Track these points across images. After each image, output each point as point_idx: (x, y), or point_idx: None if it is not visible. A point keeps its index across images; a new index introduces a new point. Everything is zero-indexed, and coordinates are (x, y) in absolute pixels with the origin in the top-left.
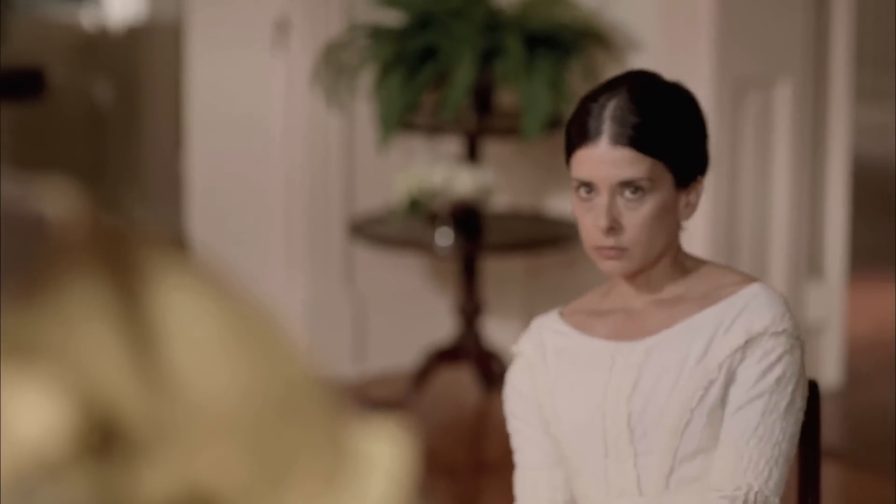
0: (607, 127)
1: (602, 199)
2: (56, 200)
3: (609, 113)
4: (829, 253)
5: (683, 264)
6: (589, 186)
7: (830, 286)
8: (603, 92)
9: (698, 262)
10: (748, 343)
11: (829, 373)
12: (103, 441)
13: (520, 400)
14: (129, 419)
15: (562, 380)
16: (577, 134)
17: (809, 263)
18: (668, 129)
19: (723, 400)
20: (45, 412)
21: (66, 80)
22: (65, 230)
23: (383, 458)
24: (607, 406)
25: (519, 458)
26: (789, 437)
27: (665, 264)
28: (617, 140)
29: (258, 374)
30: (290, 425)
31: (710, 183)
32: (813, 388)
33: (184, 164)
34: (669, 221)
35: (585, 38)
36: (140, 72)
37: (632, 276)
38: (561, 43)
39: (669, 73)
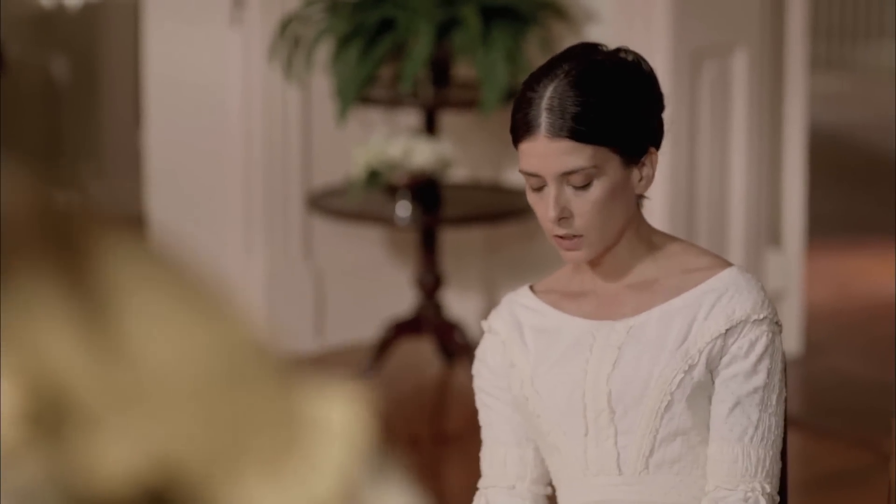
0: (544, 119)
1: (549, 190)
2: (1, 177)
3: (545, 103)
4: (787, 222)
5: (650, 240)
6: (537, 177)
7: (789, 255)
8: (542, 77)
9: (665, 239)
10: (729, 330)
11: (789, 340)
12: (56, 420)
13: (491, 376)
14: (83, 394)
15: (542, 358)
16: (518, 127)
17: (768, 232)
18: (609, 112)
19: (704, 385)
20: None
21: (23, 55)
22: (9, 206)
23: (340, 425)
24: (587, 384)
25: (487, 433)
26: (781, 430)
27: (629, 241)
28: (554, 132)
29: (212, 343)
30: (245, 394)
31: (668, 153)
32: None
33: (141, 140)
34: (623, 200)
35: (543, 9)
36: (97, 47)
37: (598, 259)
38: (518, 14)
39: (626, 44)
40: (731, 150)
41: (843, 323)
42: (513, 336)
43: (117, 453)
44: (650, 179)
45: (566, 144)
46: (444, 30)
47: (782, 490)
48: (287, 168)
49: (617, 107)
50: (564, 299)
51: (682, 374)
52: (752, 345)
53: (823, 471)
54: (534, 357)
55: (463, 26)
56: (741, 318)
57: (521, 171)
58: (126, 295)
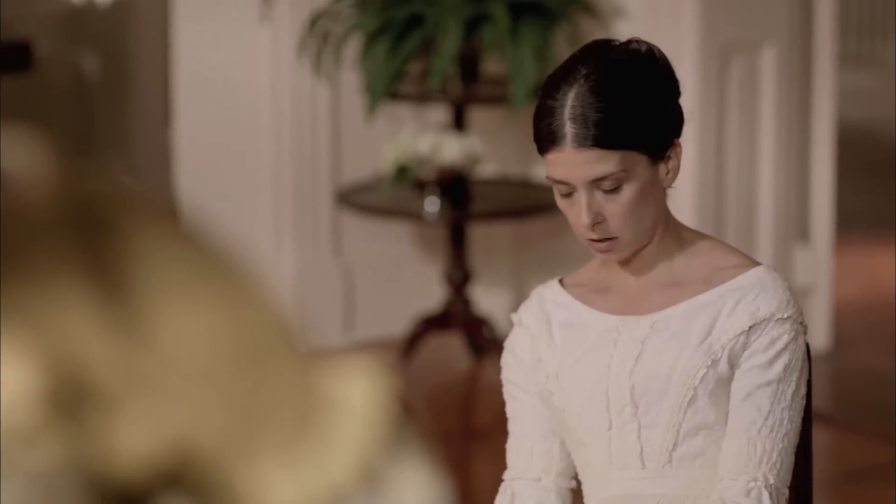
0: (569, 129)
1: (580, 196)
2: (19, 154)
3: (569, 113)
4: (816, 217)
5: (679, 235)
6: (565, 184)
7: (817, 250)
8: (560, 83)
9: (695, 236)
10: (753, 328)
11: (817, 336)
12: (75, 402)
13: (520, 368)
14: (103, 375)
15: (568, 353)
16: (543, 137)
17: (796, 228)
18: (633, 115)
19: (727, 380)
20: (11, 377)
21: (53, 53)
22: (27, 185)
23: (359, 403)
24: (611, 379)
25: (514, 426)
26: (795, 427)
27: (659, 237)
28: (581, 142)
29: (230, 323)
30: (263, 375)
31: (697, 149)
32: None
33: (172, 137)
34: (653, 197)
35: (571, 5)
36: (127, 44)
37: (629, 256)
38: (546, 10)
39: (654, 39)
40: (760, 146)
41: (870, 319)
42: (541, 330)
43: (135, 436)
44: (677, 171)
45: (593, 153)
46: (473, 26)
47: (807, 485)
48: (316, 164)
49: (640, 108)
50: (592, 294)
51: (706, 369)
52: (774, 341)
53: (850, 466)
54: (560, 352)
55: (491, 22)
56: (765, 316)
57: (548, 178)
58: (148, 276)
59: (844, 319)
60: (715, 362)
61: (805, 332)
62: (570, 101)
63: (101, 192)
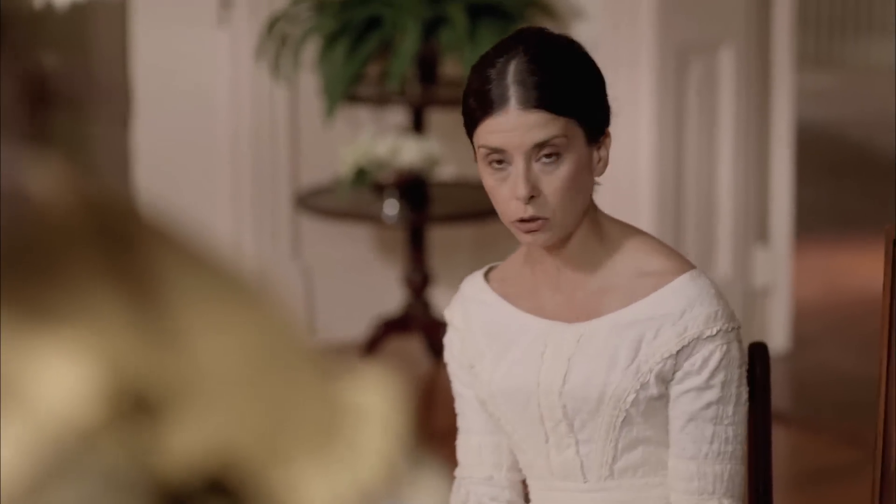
0: (514, 92)
1: (517, 167)
2: (41, 173)
3: (512, 77)
4: (775, 217)
5: (603, 229)
6: (500, 156)
7: (777, 250)
8: (497, 56)
9: (618, 230)
10: (681, 350)
11: (777, 336)
12: (132, 403)
13: (458, 367)
14: (151, 381)
15: (497, 361)
16: (482, 104)
17: (756, 228)
18: (574, 84)
19: (659, 397)
20: (73, 379)
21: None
22: (54, 201)
23: (377, 410)
24: (541, 395)
25: (462, 422)
26: (742, 436)
27: (584, 230)
28: (526, 103)
29: (255, 332)
30: (290, 382)
31: (656, 149)
32: (762, 351)
33: (131, 138)
34: (586, 181)
35: (529, 6)
36: (85, 47)
37: (551, 248)
38: (505, 12)
39: (612, 40)
40: (719, 146)
41: (830, 318)
42: (468, 333)
43: (183, 439)
44: (606, 161)
45: (539, 116)
46: (431, 28)
47: (767, 486)
48: (275, 167)
49: (580, 80)
50: (517, 291)
51: (635, 393)
52: (706, 360)
53: (811, 466)
54: (489, 361)
55: (450, 24)
56: (693, 336)
57: (483, 149)
58: (175, 289)
59: (804, 319)
60: (644, 385)
61: (738, 334)
62: (511, 69)
63: (121, 208)
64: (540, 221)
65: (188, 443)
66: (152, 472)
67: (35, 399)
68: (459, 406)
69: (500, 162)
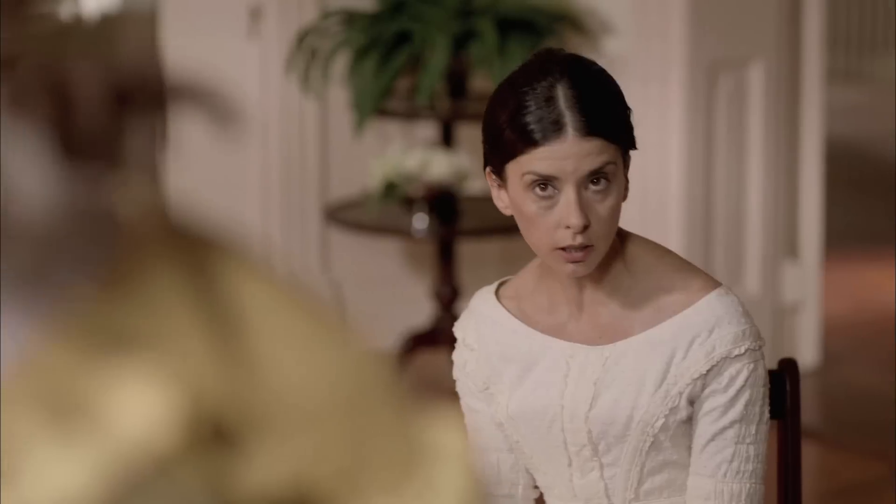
0: (569, 118)
1: (568, 195)
2: (125, 194)
3: (564, 103)
4: (805, 234)
5: (626, 247)
6: (545, 184)
7: (806, 267)
8: (534, 81)
9: (640, 245)
10: (709, 370)
11: (806, 353)
12: (209, 431)
13: (472, 385)
14: (229, 409)
15: (516, 385)
16: (531, 130)
17: (785, 244)
18: (618, 110)
19: (687, 419)
20: (152, 404)
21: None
22: (136, 223)
23: (455, 450)
24: (565, 419)
25: (476, 439)
26: (762, 455)
27: (610, 250)
28: (583, 130)
29: (336, 364)
30: (369, 416)
31: (685, 165)
32: (792, 367)
33: (160, 151)
34: (621, 207)
35: (559, 21)
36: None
37: None
38: (534, 27)
39: (643, 56)
40: (748, 162)
41: (859, 335)
42: (483, 356)
43: (260, 469)
44: (628, 186)
45: (595, 143)
46: (461, 42)
47: (796, 501)
48: (304, 180)
49: (621, 105)
50: (532, 309)
51: (664, 418)
52: (732, 379)
53: (839, 483)
54: (507, 385)
55: (479, 38)
56: (721, 356)
57: (528, 176)
58: (253, 311)
59: (833, 336)
60: (674, 409)
61: (762, 353)
62: (561, 94)
63: (198, 228)
64: (586, 250)
65: (265, 473)
66: (228, 500)
67: (113, 423)
68: (473, 423)
69: (543, 188)
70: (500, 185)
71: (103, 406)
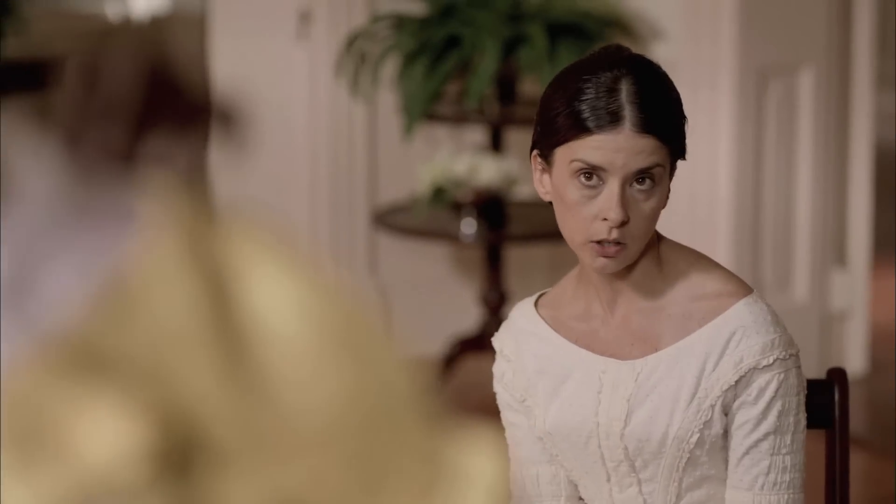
0: (629, 112)
1: (612, 189)
2: (148, 196)
3: (626, 97)
4: (853, 240)
5: (660, 250)
6: (591, 174)
7: (854, 274)
8: (599, 70)
9: (674, 249)
10: (739, 381)
11: (854, 360)
12: (184, 458)
13: (511, 398)
14: (217, 429)
15: (551, 399)
16: (588, 116)
17: (833, 251)
18: (677, 114)
19: (722, 433)
20: (117, 433)
21: None
22: (155, 226)
23: (482, 473)
24: (601, 435)
25: (517, 451)
26: (800, 463)
27: (646, 253)
28: (640, 126)
29: (356, 382)
30: (387, 435)
31: (734, 171)
32: (841, 377)
33: (209, 154)
34: (659, 213)
35: (608, 26)
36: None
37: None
38: (584, 31)
39: (693, 61)
40: (797, 168)
41: None
42: (520, 368)
43: (245, 494)
44: (669, 193)
45: (649, 141)
46: (511, 47)
47: None
48: (353, 184)
49: (680, 111)
50: (568, 316)
51: (699, 433)
52: (762, 391)
53: (887, 491)
54: (541, 398)
55: (529, 43)
56: (750, 366)
57: (576, 163)
58: (267, 326)
59: (881, 343)
60: (707, 423)
61: (796, 360)
62: (624, 87)
63: (221, 232)
64: (619, 247)
65: (254, 495)
66: None
67: (77, 451)
68: (513, 436)
69: (589, 178)
70: (543, 170)
71: (70, 434)
